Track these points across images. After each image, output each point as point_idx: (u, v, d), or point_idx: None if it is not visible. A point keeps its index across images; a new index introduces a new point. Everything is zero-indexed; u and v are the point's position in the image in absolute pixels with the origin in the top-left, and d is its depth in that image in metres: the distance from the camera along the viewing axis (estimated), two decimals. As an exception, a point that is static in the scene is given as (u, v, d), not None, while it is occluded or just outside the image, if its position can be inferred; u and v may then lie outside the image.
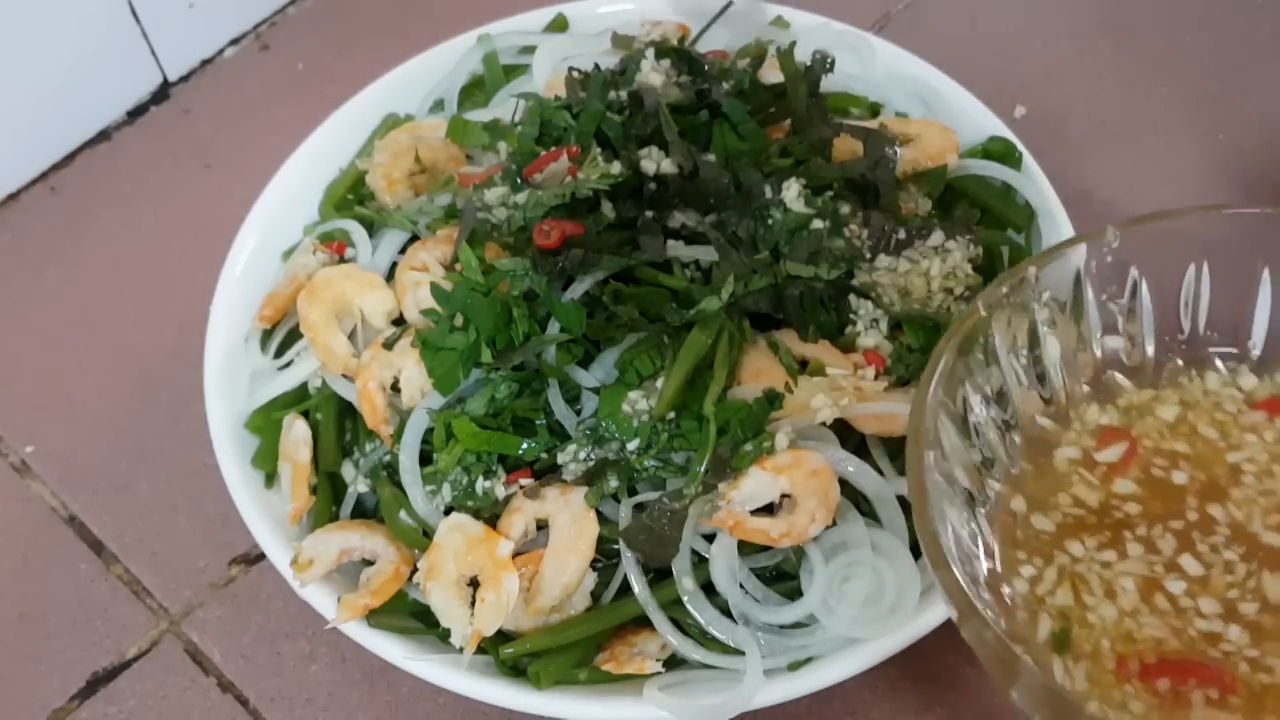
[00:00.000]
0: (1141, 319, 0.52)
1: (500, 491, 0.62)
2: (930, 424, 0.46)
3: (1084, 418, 0.50)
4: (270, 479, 0.68)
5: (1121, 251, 0.50)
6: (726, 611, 0.60)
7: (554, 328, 0.63)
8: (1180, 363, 0.52)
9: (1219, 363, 0.52)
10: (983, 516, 0.48)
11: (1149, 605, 0.44)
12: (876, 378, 0.63)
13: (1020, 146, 0.76)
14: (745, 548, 0.60)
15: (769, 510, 0.61)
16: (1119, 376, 0.52)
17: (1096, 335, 0.52)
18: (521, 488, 0.62)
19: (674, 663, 0.61)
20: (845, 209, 0.67)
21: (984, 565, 0.46)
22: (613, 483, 0.61)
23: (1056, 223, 0.72)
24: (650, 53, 0.74)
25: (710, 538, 0.61)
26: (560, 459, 0.62)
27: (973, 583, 0.44)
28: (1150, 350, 0.52)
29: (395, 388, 0.66)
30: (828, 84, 0.76)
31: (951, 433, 0.47)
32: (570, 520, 0.61)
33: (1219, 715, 0.41)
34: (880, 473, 0.61)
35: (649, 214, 0.66)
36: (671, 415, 0.61)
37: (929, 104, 0.80)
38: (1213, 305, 0.52)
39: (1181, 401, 0.51)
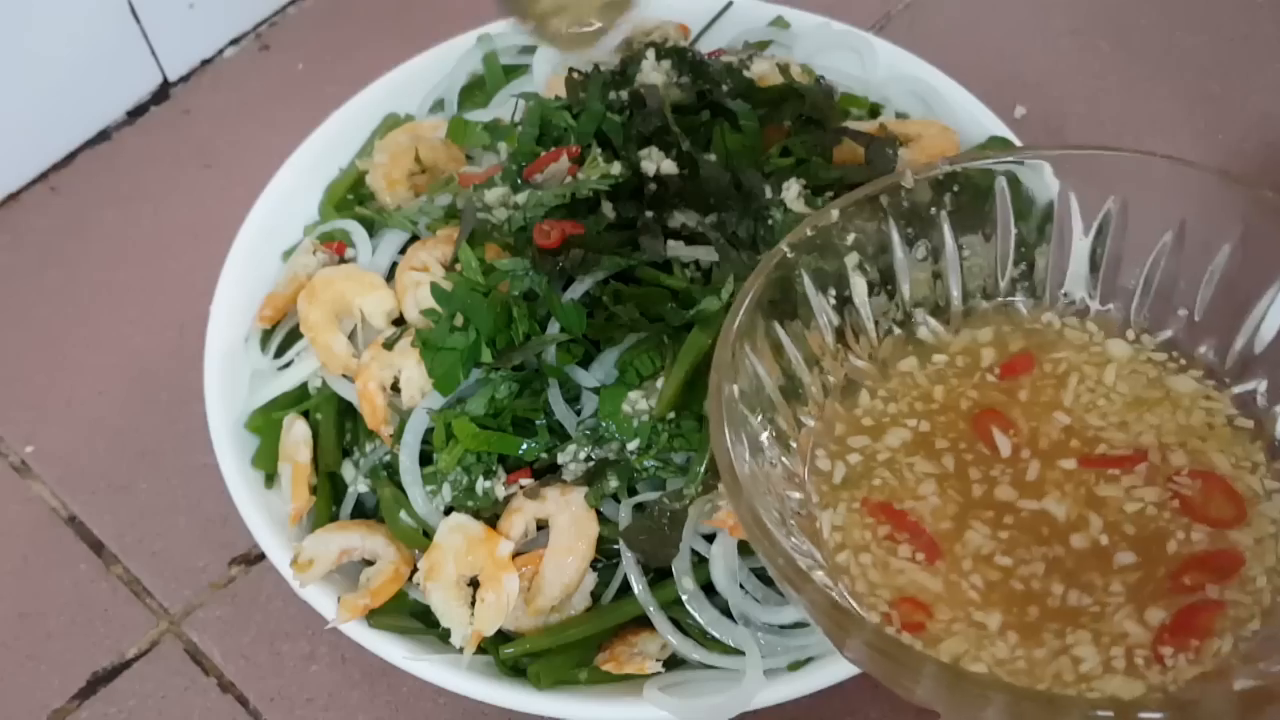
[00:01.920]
0: (946, 265, 0.52)
1: (500, 491, 0.62)
2: (733, 355, 0.46)
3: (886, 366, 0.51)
4: (270, 479, 0.68)
5: (920, 195, 0.51)
6: (726, 611, 0.60)
7: (554, 328, 0.63)
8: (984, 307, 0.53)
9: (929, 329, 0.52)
10: (794, 450, 0.48)
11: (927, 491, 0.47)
12: (876, 378, 0.63)
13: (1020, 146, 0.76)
14: (745, 548, 0.60)
15: (769, 510, 0.61)
16: (931, 321, 0.52)
17: (905, 280, 0.52)
18: (521, 488, 0.62)
19: (674, 663, 0.61)
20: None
21: (795, 496, 0.47)
22: (613, 483, 0.61)
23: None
24: (650, 53, 0.74)
25: (710, 538, 0.61)
26: (560, 459, 0.62)
27: (769, 495, 0.46)
28: (956, 295, 0.52)
29: (395, 388, 0.66)
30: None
31: (759, 366, 0.48)
32: (570, 520, 0.61)
33: (917, 571, 0.44)
34: (880, 473, 0.61)
35: (649, 214, 0.66)
36: (671, 415, 0.61)
37: (929, 104, 0.80)
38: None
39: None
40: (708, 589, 0.60)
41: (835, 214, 0.50)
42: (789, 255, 0.48)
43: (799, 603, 0.41)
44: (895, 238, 0.51)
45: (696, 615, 0.60)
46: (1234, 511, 0.45)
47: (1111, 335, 0.51)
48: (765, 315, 0.48)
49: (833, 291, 0.50)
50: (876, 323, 0.52)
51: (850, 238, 0.50)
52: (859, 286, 0.51)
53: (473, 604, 0.60)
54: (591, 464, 0.62)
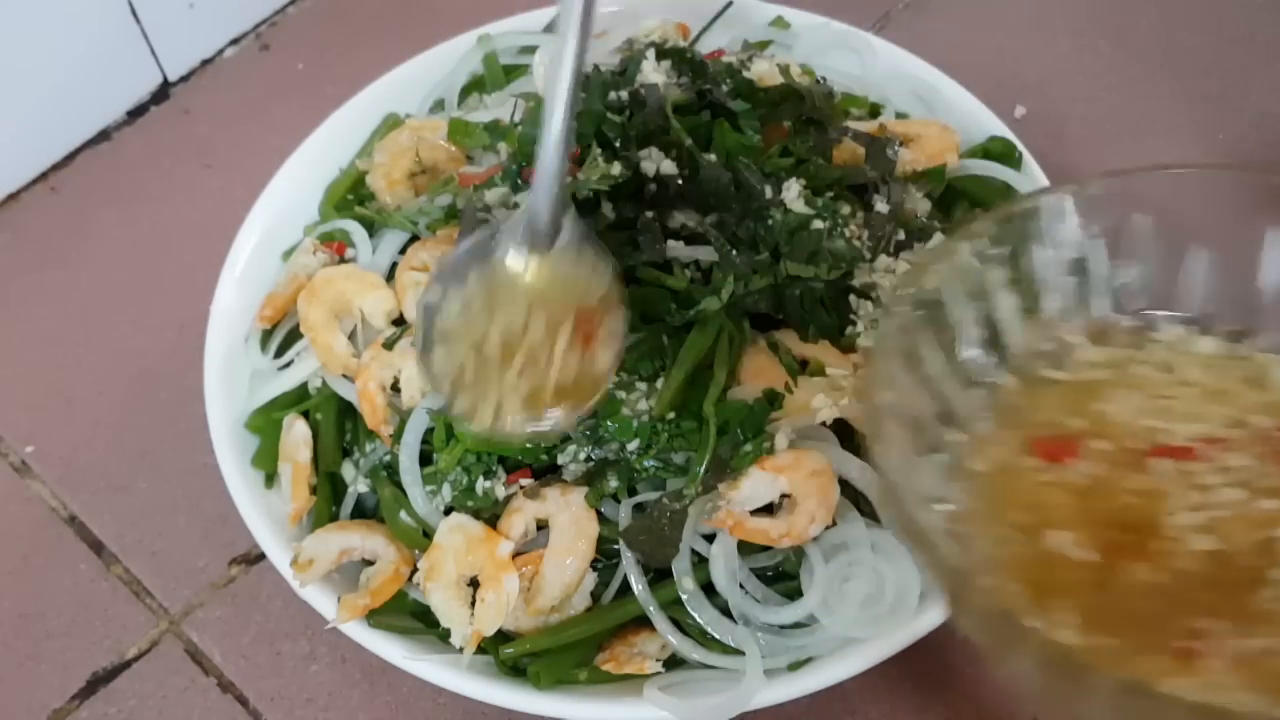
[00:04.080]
0: (1090, 282, 0.52)
1: (500, 491, 0.62)
2: (886, 367, 0.46)
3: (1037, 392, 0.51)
4: (270, 479, 0.68)
5: (1079, 209, 0.50)
6: (726, 611, 0.60)
7: (554, 328, 0.63)
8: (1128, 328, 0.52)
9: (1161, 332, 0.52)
10: (941, 465, 0.48)
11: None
12: (876, 378, 0.63)
13: (1020, 146, 0.76)
14: (745, 548, 0.60)
15: (769, 510, 0.61)
16: (1078, 338, 0.52)
17: (1050, 297, 0.51)
18: (521, 488, 0.62)
19: (674, 663, 0.61)
20: (845, 210, 0.67)
21: (944, 507, 0.47)
22: (613, 483, 0.61)
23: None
24: (650, 53, 0.74)
25: (710, 538, 0.61)
26: (560, 459, 0.62)
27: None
28: (1102, 311, 0.52)
29: (395, 388, 0.66)
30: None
31: (908, 382, 0.47)
32: (570, 520, 0.61)
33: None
34: (880, 473, 0.61)
35: (649, 214, 0.66)
36: (671, 416, 0.61)
37: (929, 104, 0.80)
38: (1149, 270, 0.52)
39: (1128, 384, 0.51)
40: (708, 589, 0.60)
41: (987, 226, 0.49)
42: (937, 268, 0.48)
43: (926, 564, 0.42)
44: (1046, 254, 0.51)
45: (696, 615, 0.60)
46: None
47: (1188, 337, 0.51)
48: (913, 329, 0.48)
49: (978, 305, 0.50)
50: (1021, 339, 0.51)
51: (996, 252, 0.50)
52: (1006, 303, 0.51)
53: (473, 604, 0.60)
54: (591, 464, 0.62)
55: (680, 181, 0.67)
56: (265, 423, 0.69)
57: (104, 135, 0.94)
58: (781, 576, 0.62)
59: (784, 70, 0.75)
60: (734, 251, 0.64)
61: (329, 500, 0.68)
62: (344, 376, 0.68)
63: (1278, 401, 0.48)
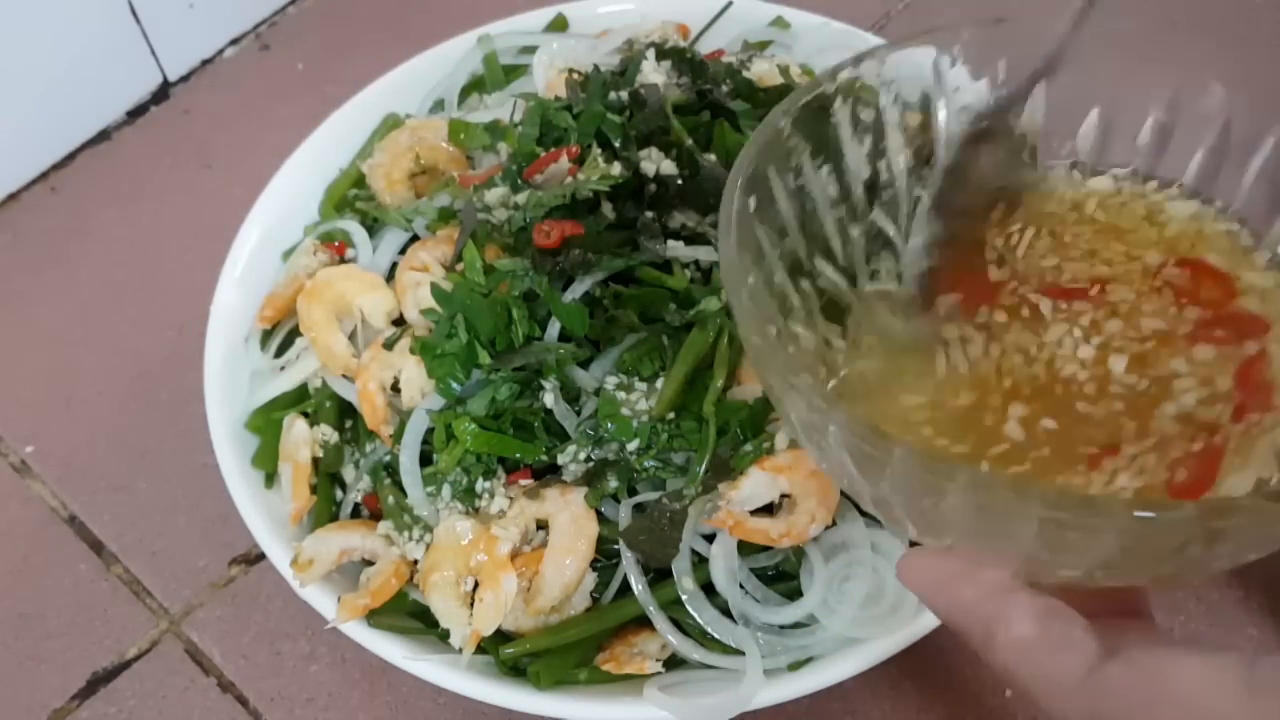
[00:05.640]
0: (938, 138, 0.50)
1: (500, 492, 0.62)
2: (754, 170, 0.45)
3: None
4: (270, 479, 0.68)
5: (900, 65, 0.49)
6: (726, 611, 0.60)
7: (554, 328, 0.63)
8: None
9: None
10: (804, 321, 0.47)
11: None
12: (876, 378, 0.63)
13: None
14: (745, 548, 0.60)
15: (769, 510, 0.61)
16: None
17: (898, 154, 0.50)
18: (521, 488, 0.62)
19: (674, 663, 0.61)
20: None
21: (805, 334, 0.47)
22: (613, 483, 0.61)
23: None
24: (650, 53, 0.74)
25: (710, 538, 0.61)
26: (560, 459, 0.62)
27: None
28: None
29: (395, 388, 0.66)
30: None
31: (765, 239, 0.46)
32: (570, 520, 0.61)
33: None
34: (880, 473, 0.61)
35: (649, 214, 0.66)
36: (671, 416, 0.61)
37: (929, 104, 0.80)
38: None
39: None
40: (708, 589, 0.60)
41: (830, 85, 0.47)
42: (781, 126, 0.46)
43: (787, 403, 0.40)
44: (942, 96, 0.49)
45: (696, 615, 0.60)
46: (1226, 291, 0.45)
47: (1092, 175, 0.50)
48: (796, 142, 0.46)
49: (869, 140, 0.48)
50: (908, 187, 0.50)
51: (893, 86, 0.48)
52: (895, 140, 0.49)
53: (472, 604, 0.60)
54: (591, 464, 0.62)
55: (680, 181, 0.67)
56: (265, 423, 0.69)
57: (104, 135, 0.94)
58: (781, 576, 0.62)
59: (784, 70, 0.75)
60: (734, 251, 0.64)
61: (329, 500, 0.68)
62: (344, 376, 0.68)
63: (1171, 237, 0.47)
